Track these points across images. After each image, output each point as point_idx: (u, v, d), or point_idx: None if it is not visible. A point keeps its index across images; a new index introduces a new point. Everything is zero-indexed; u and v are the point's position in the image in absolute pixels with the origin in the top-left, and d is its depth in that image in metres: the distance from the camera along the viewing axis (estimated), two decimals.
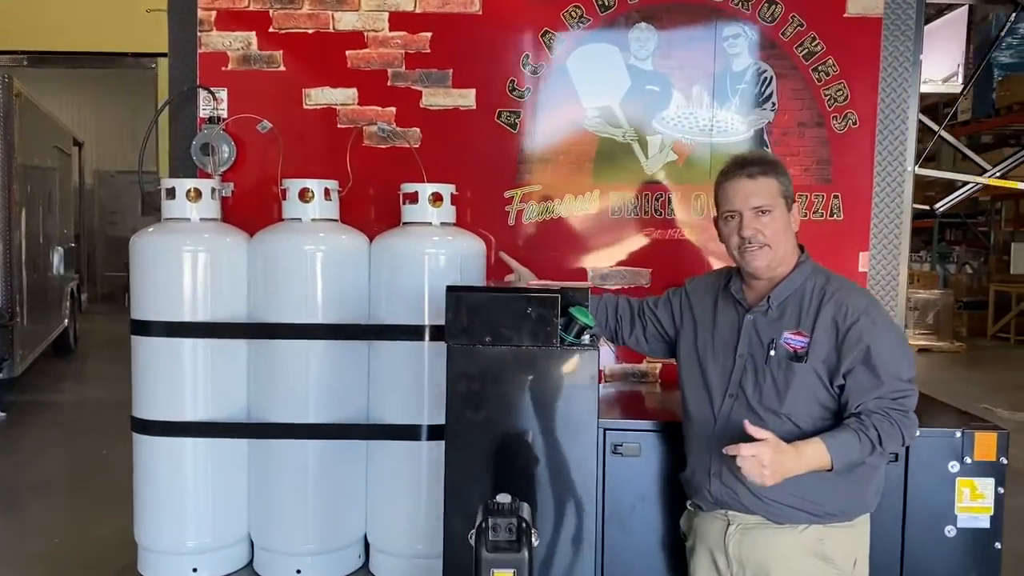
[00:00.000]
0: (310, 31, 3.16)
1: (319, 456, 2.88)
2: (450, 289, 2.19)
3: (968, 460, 2.55)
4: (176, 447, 2.88)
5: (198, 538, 2.90)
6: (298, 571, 2.88)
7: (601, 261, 3.21)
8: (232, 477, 2.93)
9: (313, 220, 2.89)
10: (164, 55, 3.24)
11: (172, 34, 3.18)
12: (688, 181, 3.17)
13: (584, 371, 2.14)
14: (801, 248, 2.27)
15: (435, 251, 2.85)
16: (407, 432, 2.86)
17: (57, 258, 9.63)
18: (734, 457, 2.12)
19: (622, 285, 3.18)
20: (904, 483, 2.57)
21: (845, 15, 3.11)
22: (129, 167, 13.79)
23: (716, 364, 2.28)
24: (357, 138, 3.17)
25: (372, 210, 3.17)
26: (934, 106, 9.45)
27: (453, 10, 3.14)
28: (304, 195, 2.88)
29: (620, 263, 3.21)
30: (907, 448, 2.52)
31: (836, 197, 3.16)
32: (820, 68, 3.13)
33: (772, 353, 2.17)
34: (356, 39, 3.16)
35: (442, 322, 2.76)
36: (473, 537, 1.84)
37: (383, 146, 3.19)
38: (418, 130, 3.17)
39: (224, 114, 3.18)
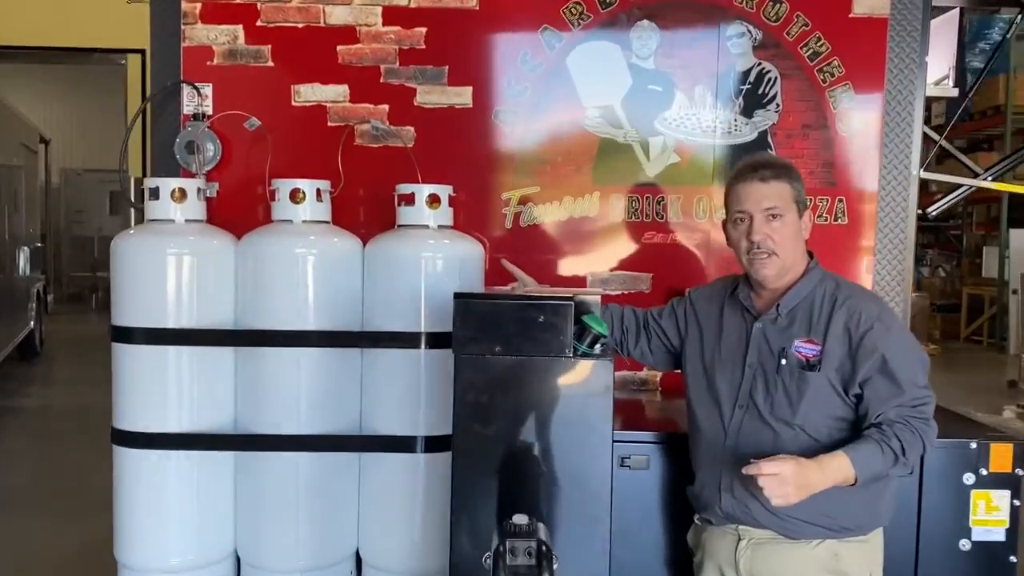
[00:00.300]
0: (300, 25, 3.04)
1: (310, 469, 2.76)
2: (458, 296, 2.08)
3: (983, 472, 2.49)
4: (159, 460, 2.74)
5: (182, 555, 2.76)
6: None
7: (600, 265, 3.11)
8: (218, 491, 2.80)
9: (304, 222, 2.77)
10: (135, 51, 3.11)
11: (155, 27, 3.04)
12: (691, 183, 3.09)
13: (598, 382, 2.04)
14: (810, 254, 2.20)
15: (432, 255, 2.74)
16: (403, 444, 2.74)
17: (23, 258, 9.38)
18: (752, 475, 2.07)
19: (622, 291, 3.09)
20: (919, 496, 2.50)
21: (851, 15, 3.05)
22: (96, 166, 13.56)
23: (725, 375, 2.20)
24: (348, 137, 3.05)
25: (363, 212, 3.05)
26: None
27: (449, 5, 3.03)
28: (295, 196, 2.75)
29: (620, 268, 3.11)
30: (922, 460, 2.46)
31: (841, 201, 3.09)
32: (825, 69, 3.06)
33: (783, 362, 2.09)
34: (348, 34, 3.04)
35: (440, 329, 2.70)
36: (490, 561, 1.73)
37: (375, 145, 3.07)
38: (412, 129, 3.06)
39: (209, 111, 3.04)
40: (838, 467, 1.94)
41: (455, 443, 2.07)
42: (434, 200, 2.77)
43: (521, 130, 3.07)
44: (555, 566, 1.71)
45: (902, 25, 3.05)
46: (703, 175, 3.09)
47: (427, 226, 2.78)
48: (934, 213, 4.30)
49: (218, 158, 3.03)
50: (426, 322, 2.71)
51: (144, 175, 3.16)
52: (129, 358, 2.73)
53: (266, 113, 3.02)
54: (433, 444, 2.73)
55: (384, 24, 3.04)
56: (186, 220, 2.75)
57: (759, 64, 3.06)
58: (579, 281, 3.10)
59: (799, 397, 2.09)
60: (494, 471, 2.06)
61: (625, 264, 3.11)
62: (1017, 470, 2.49)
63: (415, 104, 3.06)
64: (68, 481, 5.31)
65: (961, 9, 4.42)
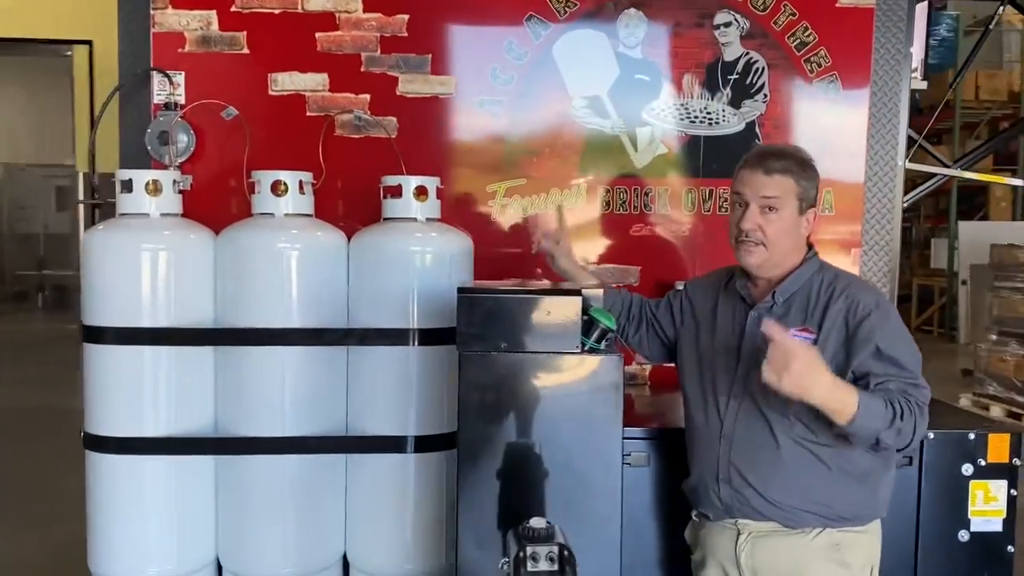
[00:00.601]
0: (276, 11, 2.92)
1: (295, 471, 2.65)
2: (461, 291, 2.00)
3: (982, 462, 2.48)
4: (135, 466, 2.61)
5: (161, 564, 2.64)
6: None
7: (588, 258, 3.05)
8: (198, 497, 2.68)
9: (287, 215, 2.66)
10: (82, 42, 2.98)
11: (123, 12, 2.90)
12: (679, 175, 3.05)
13: (608, 378, 1.98)
14: (810, 245, 2.17)
15: (421, 249, 2.65)
16: (392, 444, 2.65)
17: None
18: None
19: (611, 284, 3.03)
20: (918, 488, 2.49)
21: (837, 5, 3.03)
22: (41, 160, 13.13)
23: (720, 365, 2.16)
24: (329, 127, 2.94)
25: (345, 205, 2.96)
26: None
27: None
28: (277, 188, 2.64)
29: (608, 260, 3.06)
30: (922, 450, 2.45)
31: (828, 192, 3.07)
32: (812, 59, 3.03)
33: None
34: (327, 20, 2.94)
35: (430, 325, 2.63)
36: (507, 567, 1.66)
37: (356, 136, 2.97)
38: (394, 119, 2.97)
39: (181, 100, 2.91)
40: (844, 395, 1.88)
41: (460, 443, 1.99)
42: (422, 192, 2.68)
43: (507, 121, 2.99)
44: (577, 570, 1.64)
45: (887, 15, 3.04)
46: (692, 166, 3.04)
47: (415, 219, 2.69)
48: (907, 204, 4.33)
49: (192, 149, 2.90)
50: (416, 318, 2.62)
51: (93, 169, 3.03)
52: (102, 359, 2.60)
53: (242, 102, 2.91)
54: (424, 444, 2.65)
55: (365, 10, 2.94)
56: (162, 214, 2.63)
57: (747, 54, 3.02)
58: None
59: None
60: (500, 471, 1.99)
61: (613, 257, 3.06)
62: (1014, 460, 2.49)
63: (397, 93, 2.97)
64: (26, 486, 5.10)
65: (930, 2, 4.45)
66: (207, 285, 2.66)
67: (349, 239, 2.71)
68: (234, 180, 2.91)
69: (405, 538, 2.68)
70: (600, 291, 2.11)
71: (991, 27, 4.35)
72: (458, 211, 2.93)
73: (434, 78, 2.97)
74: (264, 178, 2.65)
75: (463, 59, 2.97)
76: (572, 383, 2.00)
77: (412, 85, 2.97)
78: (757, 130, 3.05)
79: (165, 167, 2.85)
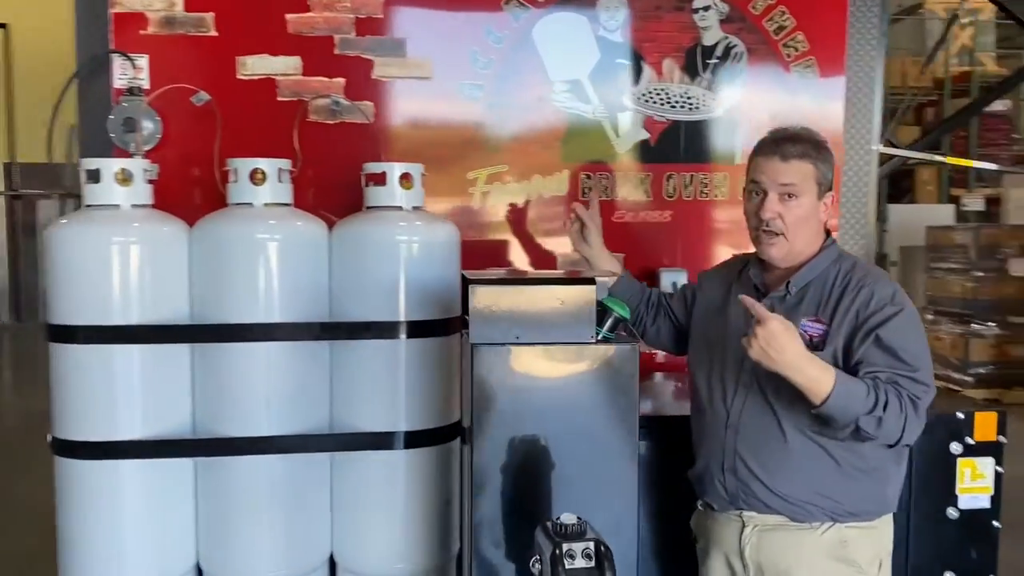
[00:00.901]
0: None
1: (279, 471, 2.55)
2: (472, 282, 1.94)
3: (969, 441, 2.52)
4: (109, 471, 2.47)
5: (138, 574, 2.51)
6: None
7: (571, 246, 3.00)
8: (177, 501, 2.56)
9: (266, 205, 2.54)
10: None
11: None
12: (661, 161, 3.02)
13: (624, 369, 1.94)
14: (828, 233, 2.13)
15: (408, 238, 2.57)
16: (382, 440, 2.57)
17: None
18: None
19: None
20: (909, 468, 2.51)
21: None
22: None
23: (729, 354, 2.11)
24: (302, 113, 2.83)
25: (320, 194, 2.85)
26: None
27: None
28: (255, 176, 2.53)
29: None
30: None
31: None
32: (790, 44, 3.04)
33: None
34: (298, 1, 2.82)
35: (418, 317, 2.55)
36: (538, 566, 1.61)
37: (331, 121, 2.86)
38: (371, 104, 2.87)
39: (144, 84, 2.76)
40: (820, 372, 1.84)
41: (474, 436, 1.93)
42: (406, 179, 2.60)
43: (487, 105, 2.92)
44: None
45: (862, 0, 3.06)
46: (673, 152, 3.02)
47: (400, 207, 2.61)
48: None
49: (158, 136, 2.76)
50: (405, 311, 2.54)
51: (12, 157, 2.86)
52: (71, 360, 2.46)
53: (209, 87, 2.77)
54: (414, 439, 2.58)
55: None
56: (132, 205, 2.49)
57: (726, 39, 3.01)
58: (549, 262, 2.99)
59: None
60: (515, 465, 1.94)
61: None
62: (1000, 437, 2.54)
63: (373, 77, 2.87)
64: None
65: None
66: (182, 280, 2.53)
67: (330, 229, 2.62)
68: (200, 169, 2.78)
69: (396, 537, 2.60)
70: (610, 280, 2.07)
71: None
72: (439, 199, 2.85)
73: (411, 61, 2.88)
74: (241, 166, 2.52)
75: (441, 42, 2.89)
76: (588, 373, 1.95)
77: (388, 69, 2.88)
78: (736, 115, 3.04)
79: (129, 155, 2.70)
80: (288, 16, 2.82)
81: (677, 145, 3.02)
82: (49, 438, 2.52)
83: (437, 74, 2.89)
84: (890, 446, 1.93)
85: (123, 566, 2.50)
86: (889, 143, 4.34)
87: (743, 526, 2.08)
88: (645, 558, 2.48)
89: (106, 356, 2.45)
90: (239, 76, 2.81)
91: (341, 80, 2.85)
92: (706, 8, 2.98)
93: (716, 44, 3.00)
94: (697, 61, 3.00)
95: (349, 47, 2.85)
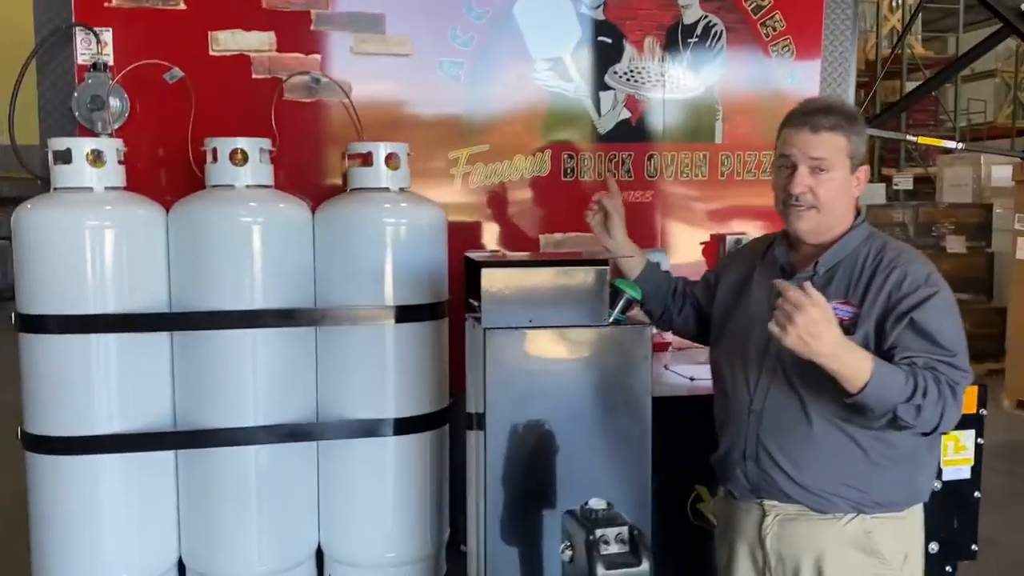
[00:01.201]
0: None
1: (264, 463, 2.47)
2: (484, 264, 1.89)
3: None
4: (86, 467, 2.36)
5: (118, 573, 2.41)
6: None
7: (554, 227, 2.98)
8: (158, 496, 2.46)
9: (248, 187, 2.45)
10: None
11: None
12: (642, 140, 3.00)
13: (637, 350, 1.92)
14: (858, 211, 2.01)
15: (395, 221, 2.50)
16: (371, 428, 2.51)
17: None
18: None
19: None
20: None
21: None
22: None
23: (752, 337, 2.00)
24: (278, 91, 2.72)
25: (296, 175, 2.75)
26: None
27: None
28: (235, 156, 2.43)
29: (573, 229, 2.98)
30: None
31: None
32: (768, 23, 3.04)
33: None
34: None
35: (407, 302, 2.49)
36: (569, 552, 1.58)
37: (307, 100, 2.76)
38: (348, 82, 2.77)
39: (109, 60, 2.62)
40: (858, 359, 1.73)
41: (487, 422, 1.89)
42: (392, 160, 2.53)
43: (467, 84, 2.85)
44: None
45: None
46: (654, 131, 3.01)
47: (387, 189, 2.53)
48: None
49: (126, 115, 2.62)
50: (395, 295, 2.48)
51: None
52: (43, 351, 2.33)
53: (179, 64, 2.64)
54: (404, 426, 2.52)
55: None
56: (106, 188, 2.37)
57: (706, 17, 3.00)
58: (532, 244, 2.95)
59: None
60: (529, 450, 1.91)
61: (578, 225, 2.96)
62: (981, 411, 2.60)
63: (350, 54, 2.78)
64: None
65: None
66: (160, 265, 2.42)
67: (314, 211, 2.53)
68: (171, 149, 2.66)
69: (386, 526, 2.55)
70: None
71: None
72: (418, 180, 2.78)
73: (390, 38, 2.79)
74: (221, 146, 2.42)
75: (420, 17, 2.81)
76: (601, 356, 1.93)
77: (366, 45, 2.79)
78: (716, 94, 3.04)
79: (95, 135, 2.56)
80: None
81: (658, 125, 3.00)
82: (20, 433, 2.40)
83: (417, 51, 2.81)
84: (924, 434, 1.82)
85: (101, 565, 2.40)
86: None
87: (764, 515, 1.99)
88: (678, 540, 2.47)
89: (81, 346, 2.33)
90: (211, 52, 2.69)
91: (317, 56, 2.75)
92: None
93: (696, 22, 2.99)
94: (678, 39, 2.98)
95: (325, 23, 2.75)
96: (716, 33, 3.01)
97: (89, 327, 2.32)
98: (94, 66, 2.59)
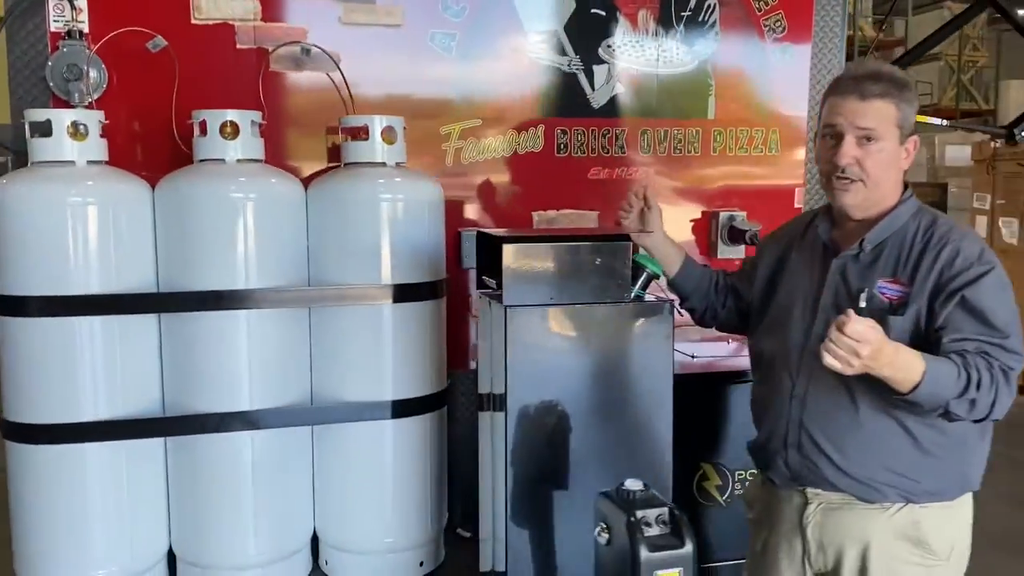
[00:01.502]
0: None
1: (259, 448, 2.39)
2: (505, 240, 1.82)
3: None
4: (72, 456, 2.26)
5: (107, 565, 2.31)
6: None
7: (547, 204, 2.92)
8: (147, 485, 2.37)
9: (239, 161, 2.34)
10: None
11: None
12: (635, 115, 2.95)
13: (660, 328, 1.88)
14: (906, 185, 1.87)
15: (392, 196, 2.42)
16: (369, 411, 2.43)
17: None
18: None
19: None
20: None
21: None
22: None
23: (795, 319, 1.88)
24: (266, 62, 2.61)
25: (284, 149, 2.65)
26: None
27: None
28: (225, 130, 2.32)
29: (566, 206, 2.93)
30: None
31: (774, 132, 3.09)
32: None
33: (863, 304, 1.72)
34: None
35: (405, 280, 2.42)
36: (605, 534, 1.53)
37: (295, 72, 2.66)
38: (338, 53, 2.67)
39: (84, 28, 2.48)
40: (909, 363, 1.61)
41: (508, 403, 1.83)
42: (389, 133, 2.44)
43: (460, 56, 2.77)
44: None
45: None
46: (647, 106, 2.96)
47: (383, 164, 2.45)
48: None
49: (104, 86, 2.49)
50: (391, 274, 2.40)
51: None
52: (24, 334, 2.22)
53: (159, 32, 2.51)
54: (403, 408, 2.45)
55: None
56: (88, 161, 2.24)
57: None
58: (524, 220, 2.89)
59: None
60: (551, 429, 1.86)
61: (571, 202, 2.93)
62: None
63: (340, 24, 2.67)
64: None
65: None
66: (146, 244, 2.31)
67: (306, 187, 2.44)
68: (151, 122, 2.54)
69: (385, 511, 2.48)
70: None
71: None
72: (410, 154, 2.69)
73: (380, 8, 2.70)
74: (211, 118, 2.32)
75: None
76: (623, 333, 1.88)
77: (355, 15, 2.68)
78: (709, 69, 3.00)
79: (71, 107, 2.43)
80: None
81: (651, 99, 2.96)
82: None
83: (408, 22, 2.72)
84: (976, 420, 1.70)
85: (87, 557, 2.30)
86: None
87: (806, 503, 1.88)
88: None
89: (64, 329, 2.22)
90: (193, 20, 2.56)
91: (304, 27, 2.64)
92: None
93: None
94: (671, 13, 2.93)
95: None
96: (709, 6, 2.96)
97: (72, 309, 2.21)
98: (68, 33, 2.46)
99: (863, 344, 1.53)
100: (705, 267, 2.13)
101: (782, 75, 3.07)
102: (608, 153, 2.94)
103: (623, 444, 1.89)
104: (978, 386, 1.63)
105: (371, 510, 2.48)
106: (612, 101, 2.93)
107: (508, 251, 1.81)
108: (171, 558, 2.46)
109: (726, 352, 2.75)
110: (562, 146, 2.90)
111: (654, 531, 1.50)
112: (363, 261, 2.40)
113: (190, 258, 2.30)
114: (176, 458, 2.38)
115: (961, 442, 1.79)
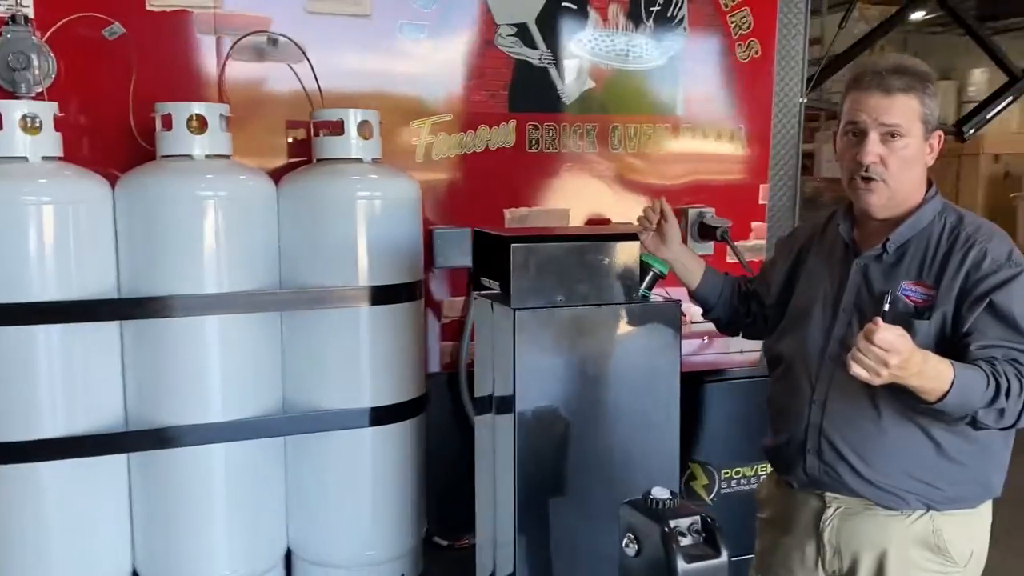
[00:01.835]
0: None
1: (229, 462, 2.26)
2: (513, 240, 1.74)
3: None
4: (29, 475, 2.10)
5: None
6: None
7: (519, 201, 2.84)
8: (108, 504, 2.21)
9: (207, 157, 2.20)
10: None
11: None
12: (606, 111, 2.90)
13: (667, 328, 1.83)
14: (930, 182, 1.82)
15: (369, 194, 2.33)
16: (346, 419, 2.33)
17: None
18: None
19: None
20: None
21: None
22: None
23: (814, 319, 1.84)
24: (228, 53, 2.46)
25: (248, 144, 2.50)
26: None
27: None
28: (191, 123, 2.18)
29: (538, 203, 2.87)
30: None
31: (740, 129, 3.08)
32: None
33: (887, 308, 1.64)
34: None
35: (384, 282, 2.32)
36: (640, 546, 1.48)
37: (258, 63, 2.52)
38: (303, 45, 2.54)
39: (29, 13, 2.30)
40: (938, 372, 1.57)
41: (517, 406, 1.76)
42: (366, 128, 2.34)
43: (430, 48, 2.67)
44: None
45: None
46: (617, 102, 2.91)
47: (360, 160, 2.34)
48: None
49: (52, 75, 2.31)
50: (368, 275, 2.30)
51: None
52: None
53: (112, 19, 2.35)
54: (383, 415, 2.35)
55: None
56: (43, 158, 2.08)
57: None
58: (496, 218, 2.81)
59: None
60: (560, 433, 1.80)
61: (543, 199, 2.87)
62: None
63: (304, 13, 2.54)
64: None
65: None
66: (107, 246, 2.16)
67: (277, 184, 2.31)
68: (100, 115, 2.37)
69: (365, 522, 2.38)
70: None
71: None
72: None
73: None
74: (176, 112, 2.17)
75: None
76: (631, 334, 1.83)
77: (320, 3, 2.56)
78: (677, 64, 2.97)
79: (19, 98, 2.24)
80: None
81: (623, 95, 2.91)
82: None
83: (376, 11, 2.60)
84: (1003, 428, 1.67)
85: None
86: None
87: (824, 507, 1.85)
88: None
89: (19, 339, 2.06)
90: (148, 7, 2.40)
91: (267, 15, 2.51)
92: None
93: None
94: (641, 7, 2.89)
95: None
96: (678, 2, 2.93)
97: (28, 317, 2.04)
98: (12, 19, 2.27)
99: (892, 354, 1.49)
100: (726, 275, 2.08)
101: (749, 70, 3.07)
102: (579, 150, 2.89)
103: (633, 446, 1.84)
104: (1007, 395, 1.59)
105: (351, 522, 2.38)
106: (584, 96, 2.87)
107: (516, 252, 1.73)
108: None
109: (696, 349, 2.75)
110: (534, 141, 2.83)
111: (687, 541, 1.45)
112: (339, 262, 2.30)
113: (155, 261, 2.16)
114: (141, 474, 2.23)
115: (986, 449, 1.76)
